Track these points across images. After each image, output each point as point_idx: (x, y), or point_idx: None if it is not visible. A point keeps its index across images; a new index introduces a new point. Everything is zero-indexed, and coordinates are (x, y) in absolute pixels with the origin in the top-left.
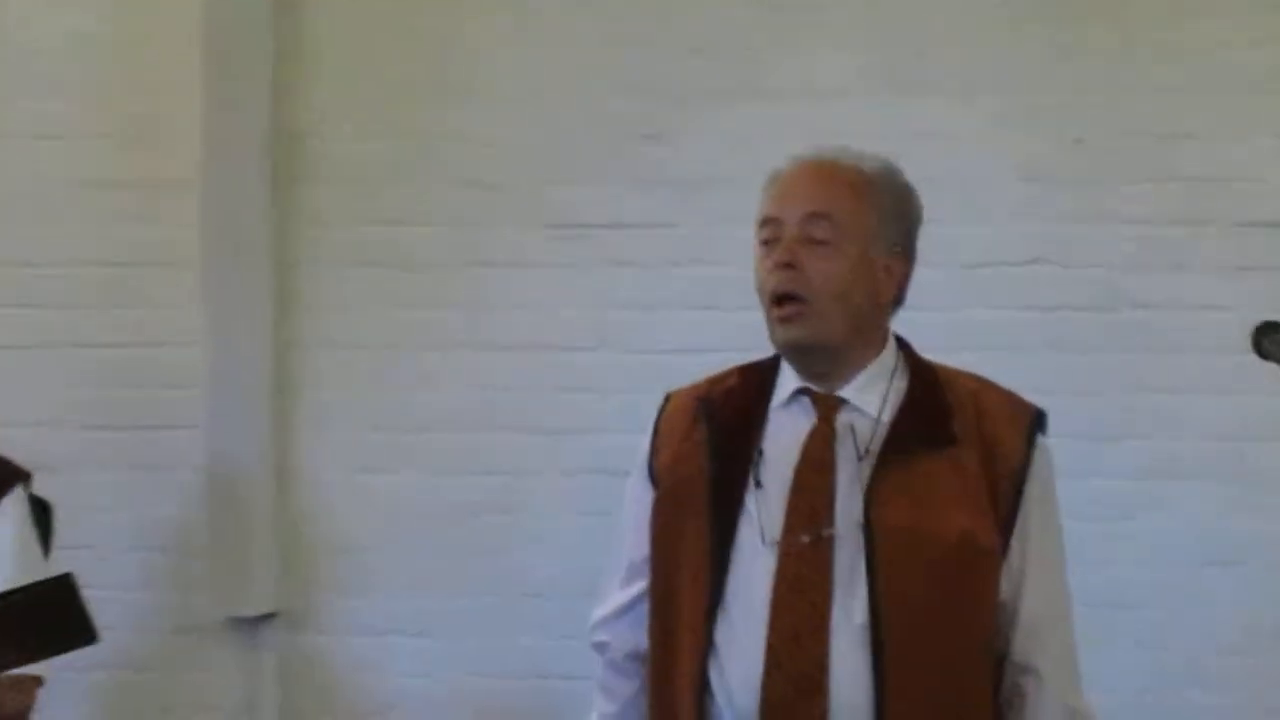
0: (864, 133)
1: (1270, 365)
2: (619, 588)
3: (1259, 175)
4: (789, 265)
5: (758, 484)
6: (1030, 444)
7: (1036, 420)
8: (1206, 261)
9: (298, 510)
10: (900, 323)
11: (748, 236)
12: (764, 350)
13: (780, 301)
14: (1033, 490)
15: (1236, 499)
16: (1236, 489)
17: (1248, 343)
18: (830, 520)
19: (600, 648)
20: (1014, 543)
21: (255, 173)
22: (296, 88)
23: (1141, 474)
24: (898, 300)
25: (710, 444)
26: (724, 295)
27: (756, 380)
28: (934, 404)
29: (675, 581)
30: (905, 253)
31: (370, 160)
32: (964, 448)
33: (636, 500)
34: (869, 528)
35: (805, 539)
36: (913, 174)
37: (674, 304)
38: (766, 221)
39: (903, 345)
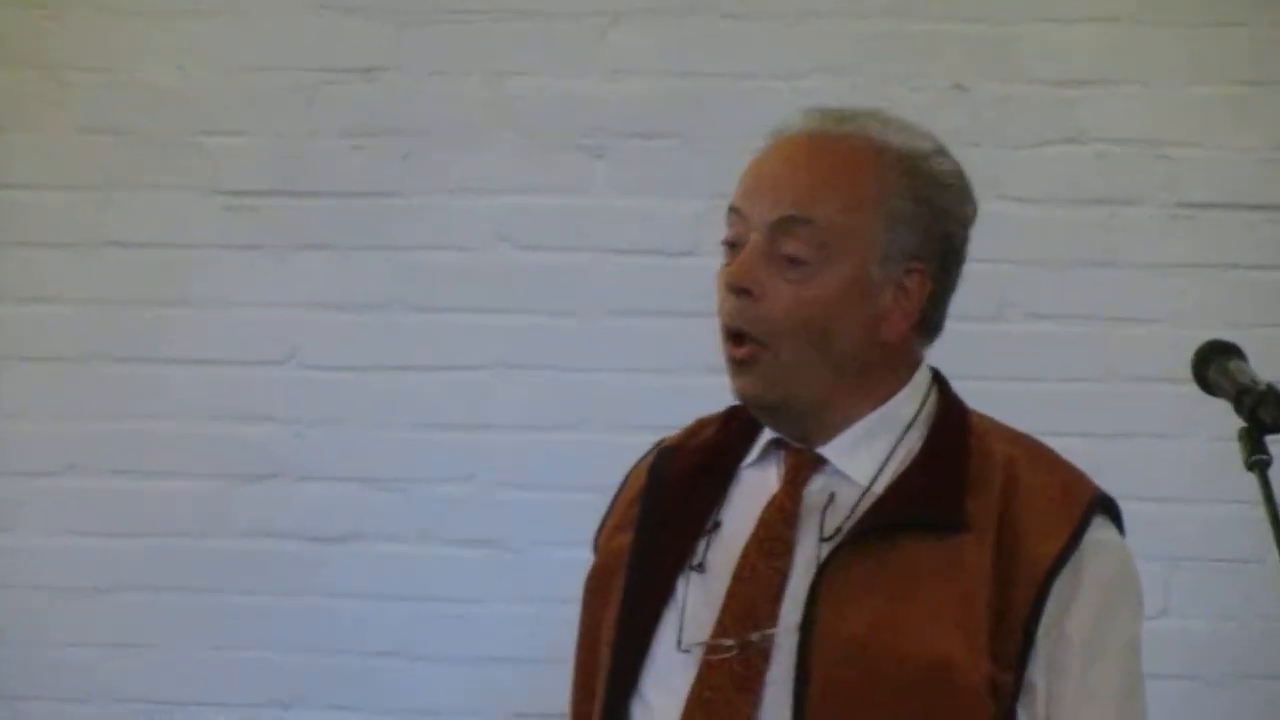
0: (654, 68)
1: (1217, 402)
2: (574, 705)
3: (1202, 138)
4: (744, 291)
5: (698, 567)
6: (1074, 540)
7: (1094, 507)
8: (1130, 255)
9: None
10: None
11: (494, 210)
12: (520, 369)
13: (733, 339)
14: (1071, 607)
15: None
16: (1166, 571)
17: (1186, 370)
18: (770, 621)
19: None
20: (1036, 681)
21: None
22: None
23: None
24: (926, 327)
25: (641, 510)
26: (460, 292)
27: (738, 427)
28: (947, 472)
29: (591, 694)
30: (935, 265)
31: None
32: (974, 537)
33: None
34: (806, 632)
35: (731, 644)
36: (714, 126)
37: (391, 303)
38: (731, 210)
39: (940, 388)
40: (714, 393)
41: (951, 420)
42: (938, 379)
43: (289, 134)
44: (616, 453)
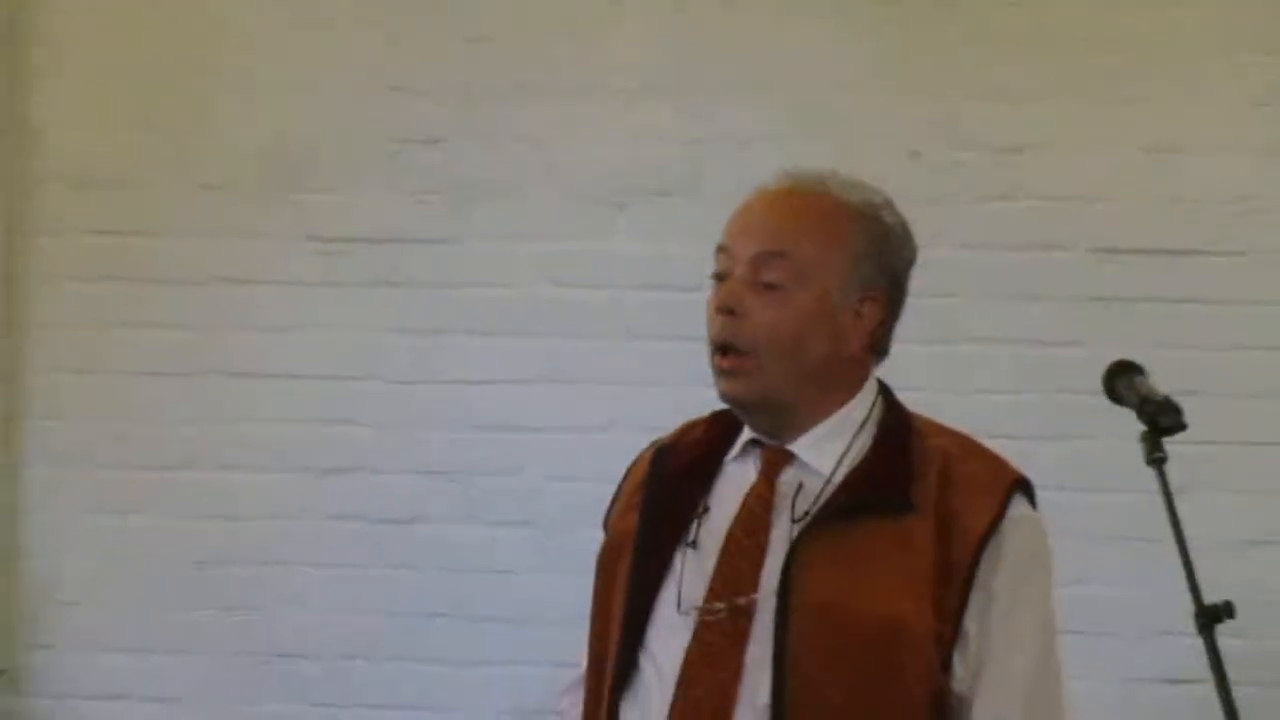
0: (668, 137)
1: (1123, 410)
2: (590, 657)
3: (1115, 193)
4: (730, 311)
5: (693, 544)
6: (999, 516)
7: (1013, 489)
8: (1057, 291)
9: (18, 554)
10: None
11: (536, 253)
12: (558, 382)
13: (721, 351)
14: (997, 569)
15: (1087, 562)
16: (1084, 547)
17: (1099, 384)
18: (753, 587)
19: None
20: (969, 629)
21: None
22: (26, 74)
23: None
24: (875, 348)
25: (644, 497)
26: (508, 319)
27: (722, 428)
28: (893, 465)
29: (603, 648)
30: (885, 296)
31: (108, 159)
32: (918, 519)
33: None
34: (784, 597)
35: (721, 607)
36: (716, 184)
37: (452, 329)
38: (719, 250)
39: (885, 396)
40: (713, 402)
41: (896, 421)
42: (883, 388)
43: (369, 191)
44: (638, 450)
